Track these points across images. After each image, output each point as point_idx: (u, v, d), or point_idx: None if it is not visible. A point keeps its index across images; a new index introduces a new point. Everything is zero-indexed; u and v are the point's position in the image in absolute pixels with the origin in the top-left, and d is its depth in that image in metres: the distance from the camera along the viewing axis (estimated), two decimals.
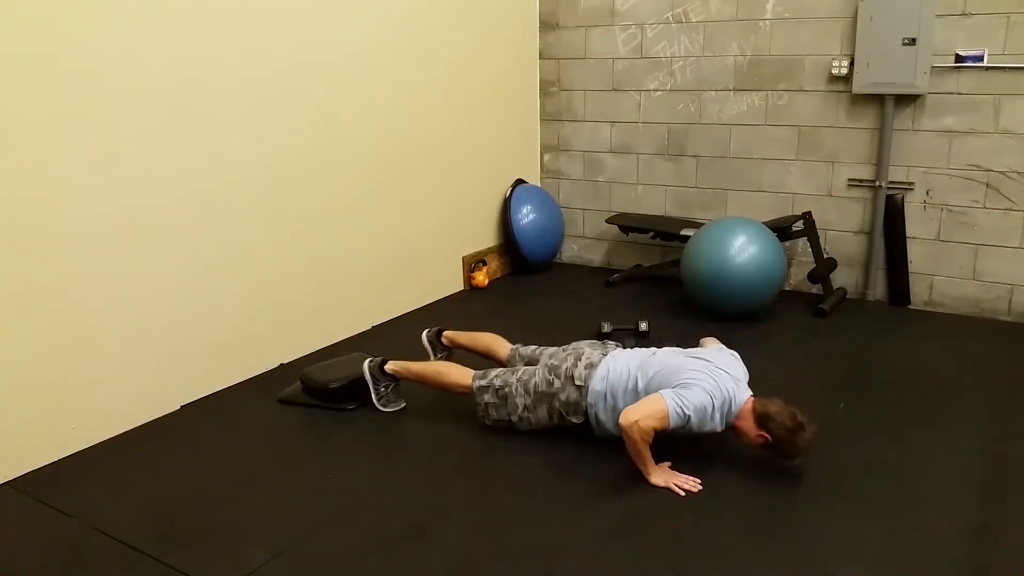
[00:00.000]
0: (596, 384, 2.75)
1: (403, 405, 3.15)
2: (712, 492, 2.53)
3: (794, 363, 3.60)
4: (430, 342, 3.38)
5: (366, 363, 3.13)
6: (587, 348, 2.90)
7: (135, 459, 2.80)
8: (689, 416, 2.51)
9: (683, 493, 2.52)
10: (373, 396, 3.11)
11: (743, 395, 2.64)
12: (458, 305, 4.53)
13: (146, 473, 2.70)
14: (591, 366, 2.79)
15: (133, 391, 3.01)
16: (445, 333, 3.36)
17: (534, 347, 3.09)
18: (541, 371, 2.87)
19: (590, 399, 2.76)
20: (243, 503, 2.51)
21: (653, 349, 2.86)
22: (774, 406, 2.56)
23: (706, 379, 2.58)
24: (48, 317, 2.71)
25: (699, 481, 2.57)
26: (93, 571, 2.19)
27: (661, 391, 2.55)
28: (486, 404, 2.91)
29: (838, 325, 4.10)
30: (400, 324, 4.18)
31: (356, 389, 3.13)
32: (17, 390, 2.65)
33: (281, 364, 3.61)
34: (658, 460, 2.62)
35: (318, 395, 3.16)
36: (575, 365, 2.81)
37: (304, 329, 3.72)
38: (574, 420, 2.81)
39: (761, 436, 2.56)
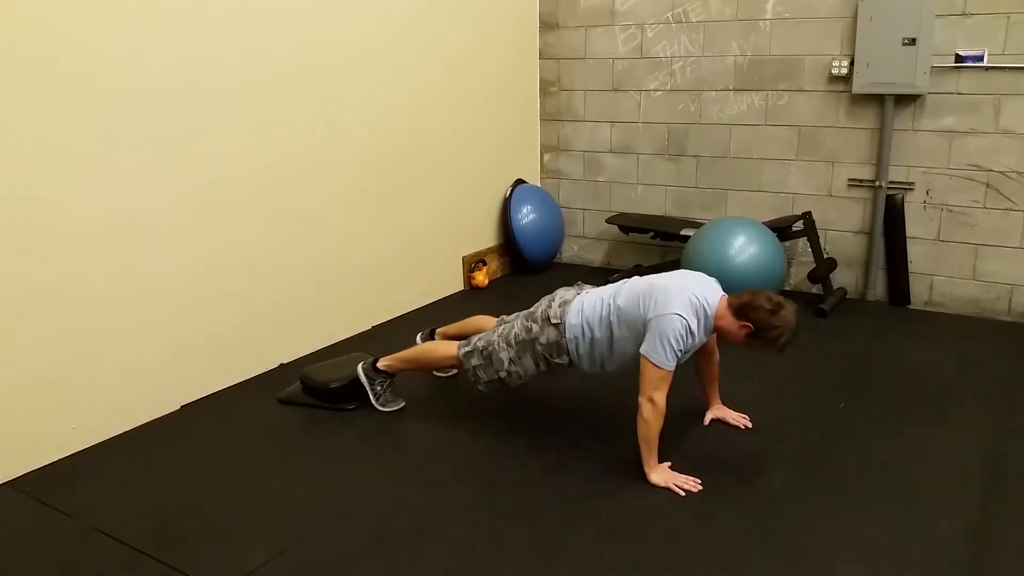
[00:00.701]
0: (572, 318, 2.75)
1: (402, 404, 3.15)
2: (712, 492, 2.53)
3: (794, 363, 3.60)
4: (424, 342, 3.39)
5: (359, 365, 3.14)
6: (561, 291, 2.92)
7: (135, 459, 2.80)
8: (680, 350, 2.52)
9: (683, 493, 2.52)
10: (371, 397, 3.11)
11: (714, 297, 2.62)
12: (458, 305, 4.53)
13: (146, 473, 2.70)
14: (565, 303, 2.80)
15: (133, 391, 3.01)
16: (437, 330, 3.41)
17: (517, 313, 3.09)
18: (519, 321, 2.90)
19: (568, 335, 2.75)
20: (243, 503, 2.51)
21: (624, 279, 2.84)
22: (748, 295, 2.56)
23: (675, 299, 2.55)
24: (48, 317, 2.71)
25: (699, 481, 2.57)
26: (93, 571, 2.19)
27: (643, 354, 2.54)
28: (474, 368, 2.91)
29: (838, 325, 4.10)
30: (400, 324, 4.17)
31: (356, 389, 3.13)
32: (17, 390, 2.65)
33: (281, 364, 3.61)
34: (659, 460, 2.62)
35: (318, 395, 3.16)
36: (549, 306, 2.83)
37: (304, 329, 3.72)
38: (558, 361, 2.80)
39: (744, 327, 2.53)
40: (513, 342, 2.85)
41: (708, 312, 2.59)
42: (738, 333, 2.56)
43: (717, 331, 2.64)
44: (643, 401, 2.53)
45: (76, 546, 2.30)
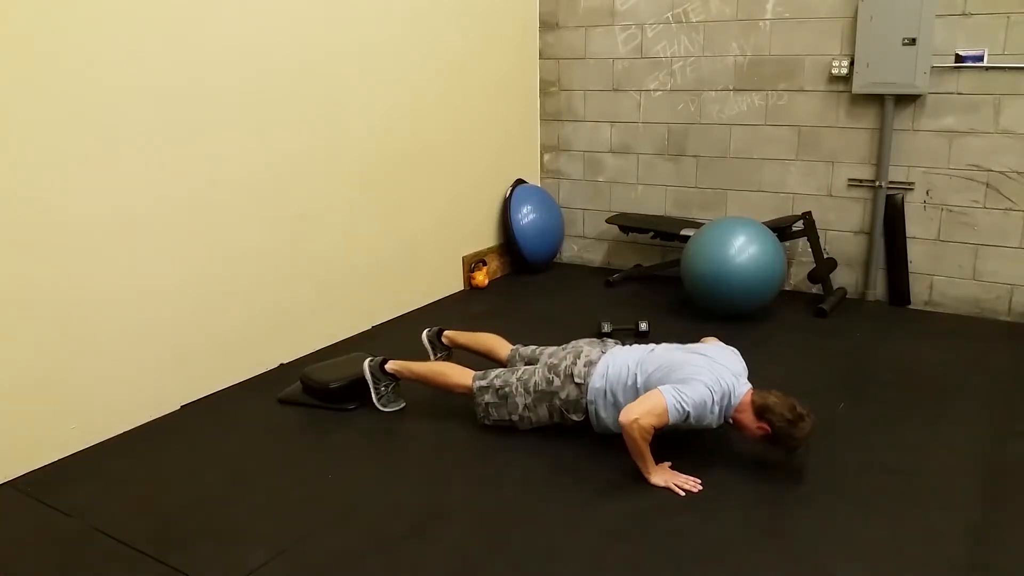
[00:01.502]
0: (596, 381, 2.75)
1: (403, 405, 3.15)
2: (712, 492, 2.53)
3: (794, 363, 3.60)
4: (430, 342, 3.38)
5: (366, 362, 3.13)
6: (586, 346, 2.90)
7: (135, 459, 2.80)
8: (688, 412, 2.52)
9: (683, 493, 2.52)
10: (373, 396, 3.11)
11: (742, 388, 2.64)
12: (458, 305, 4.53)
13: (146, 473, 2.70)
14: (590, 364, 2.79)
15: (133, 391, 3.01)
16: (445, 333, 3.36)
17: (534, 347, 3.09)
18: (541, 370, 2.87)
19: (590, 396, 2.76)
20: (243, 503, 2.51)
21: (652, 345, 2.86)
22: (773, 397, 2.57)
23: (705, 374, 2.58)
24: (48, 317, 2.71)
25: (699, 481, 2.57)
26: (93, 571, 2.19)
27: (660, 387, 2.55)
28: (486, 404, 2.91)
29: (838, 325, 4.10)
30: (400, 324, 4.17)
31: (356, 389, 3.13)
32: (17, 390, 2.65)
33: (281, 364, 3.61)
34: (658, 460, 2.62)
35: (318, 395, 3.16)
36: (574, 363, 2.81)
37: (304, 329, 3.72)
38: (574, 418, 2.81)
39: (761, 428, 2.56)
40: (532, 391, 2.85)
41: (732, 402, 2.62)
42: (755, 432, 2.59)
43: (734, 420, 2.65)
44: (629, 422, 2.48)
45: (76, 546, 2.30)
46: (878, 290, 4.48)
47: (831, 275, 4.46)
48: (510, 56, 4.97)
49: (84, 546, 2.30)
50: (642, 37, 4.83)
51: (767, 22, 4.46)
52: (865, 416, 3.06)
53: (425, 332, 3.40)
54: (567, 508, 2.46)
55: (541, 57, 5.22)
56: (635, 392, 2.67)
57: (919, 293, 4.38)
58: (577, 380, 2.78)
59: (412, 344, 3.46)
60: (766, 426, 2.55)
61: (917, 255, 4.33)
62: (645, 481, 2.57)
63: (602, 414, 2.76)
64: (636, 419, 2.47)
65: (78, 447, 2.85)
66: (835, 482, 2.59)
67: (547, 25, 5.15)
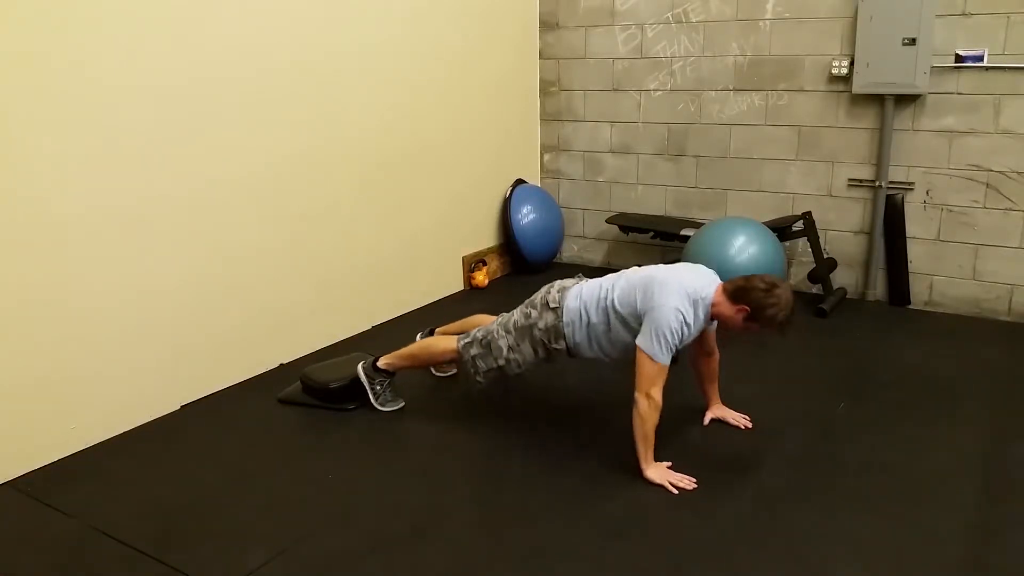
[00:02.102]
0: (570, 302, 2.78)
1: (402, 404, 3.15)
2: (712, 492, 2.53)
3: (794, 363, 3.60)
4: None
5: (359, 365, 3.14)
6: (560, 280, 2.94)
7: (135, 459, 2.80)
8: (675, 344, 2.53)
9: (676, 491, 2.52)
10: (370, 396, 3.11)
11: (711, 287, 2.64)
12: (458, 305, 4.53)
13: (146, 473, 2.70)
14: (564, 289, 2.84)
15: (133, 391, 3.01)
16: (436, 329, 3.42)
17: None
18: (519, 309, 2.92)
19: (566, 318, 2.77)
20: (243, 503, 2.51)
21: (624, 270, 2.86)
22: (741, 279, 2.58)
23: (673, 287, 2.57)
24: (48, 317, 2.71)
25: (695, 480, 2.57)
26: (93, 571, 2.19)
27: (639, 348, 2.54)
28: (473, 358, 2.92)
29: (838, 325, 4.10)
30: (400, 324, 4.17)
31: (356, 389, 3.13)
32: (17, 390, 2.65)
33: (281, 364, 3.61)
34: (657, 459, 2.62)
35: (318, 395, 3.16)
36: (548, 292, 2.85)
37: (304, 329, 3.72)
38: (556, 346, 2.82)
39: (740, 310, 2.55)
40: (512, 329, 2.87)
41: (705, 301, 2.60)
42: (736, 317, 2.57)
43: (715, 318, 2.66)
44: (639, 397, 2.54)
45: (76, 546, 2.30)
46: (878, 290, 4.48)
47: (831, 275, 4.46)
48: (510, 56, 4.97)
49: (84, 546, 2.30)
50: (642, 37, 4.83)
51: (767, 22, 4.46)
52: (865, 416, 3.06)
53: (419, 335, 3.46)
54: (567, 508, 2.46)
55: (541, 57, 5.22)
56: (606, 310, 2.69)
57: (919, 293, 4.38)
58: (552, 305, 2.80)
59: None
60: (744, 307, 2.53)
61: (917, 255, 4.33)
62: (644, 480, 2.57)
63: (577, 337, 2.77)
64: (647, 392, 2.51)
65: (78, 447, 2.85)
66: (835, 482, 2.59)
67: (547, 25, 5.15)
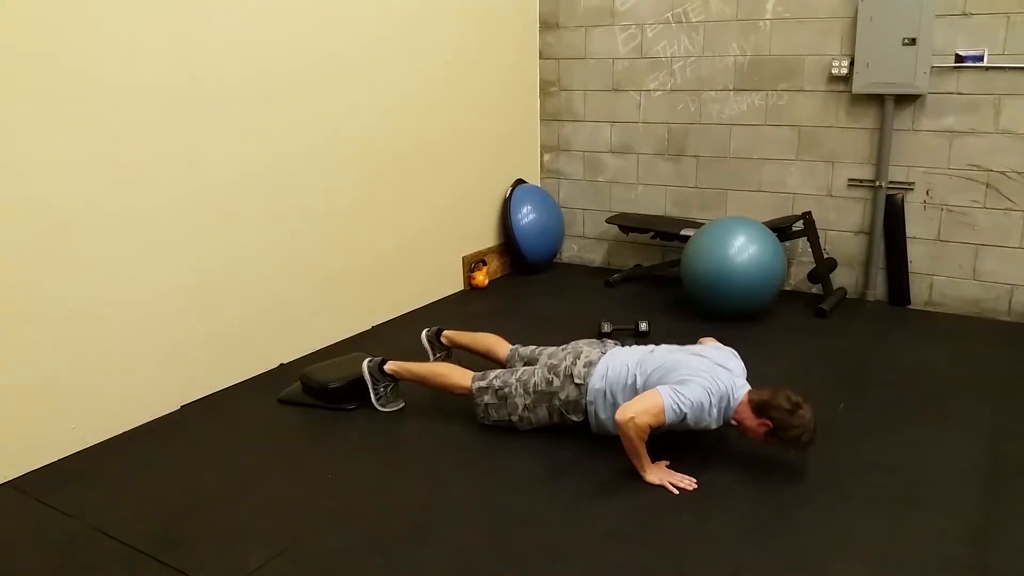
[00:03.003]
0: (595, 382, 2.75)
1: (402, 405, 3.15)
2: (711, 492, 2.53)
3: (794, 363, 3.60)
4: (429, 341, 3.38)
5: (365, 363, 3.13)
6: (586, 347, 2.90)
7: (135, 459, 2.80)
8: (685, 413, 2.52)
9: (677, 492, 2.52)
10: (372, 396, 3.11)
11: (741, 390, 2.64)
12: (458, 305, 4.53)
13: (146, 473, 2.70)
14: (590, 364, 2.79)
15: (133, 391, 3.01)
16: (445, 333, 3.37)
17: (533, 347, 3.09)
18: (540, 371, 2.87)
19: (589, 397, 2.76)
20: (243, 503, 2.51)
21: (651, 346, 2.86)
22: (768, 392, 2.58)
23: (704, 376, 2.58)
24: (48, 317, 2.71)
25: (695, 480, 2.57)
26: (93, 571, 2.19)
27: (658, 387, 2.55)
28: (486, 405, 2.91)
29: (838, 325, 4.10)
30: (400, 324, 4.17)
31: (356, 389, 3.13)
32: (17, 390, 2.65)
33: (281, 364, 3.61)
34: (656, 458, 2.63)
35: (318, 395, 3.16)
36: (574, 364, 2.81)
37: (304, 329, 3.72)
38: (574, 418, 2.81)
39: (762, 424, 2.55)
40: (531, 391, 2.85)
41: (731, 403, 2.61)
42: (757, 430, 2.58)
43: (737, 423, 2.65)
44: (625, 421, 2.48)
45: (76, 546, 2.30)
46: (878, 290, 4.48)
47: (831, 275, 4.46)
48: (510, 56, 4.97)
49: (84, 546, 2.30)
50: (642, 37, 4.83)
51: (767, 22, 4.46)
52: (865, 416, 3.06)
53: (424, 332, 3.41)
54: (567, 508, 2.46)
55: (541, 57, 5.22)
56: (634, 392, 2.67)
57: (919, 293, 4.38)
58: (577, 381, 2.78)
59: (412, 344, 3.46)
60: (767, 422, 2.54)
61: (917, 255, 4.33)
62: (644, 481, 2.57)
63: (601, 415, 2.77)
64: (632, 417, 2.48)
65: (78, 447, 2.85)
66: (835, 482, 2.59)
67: (547, 25, 5.15)
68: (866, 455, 2.76)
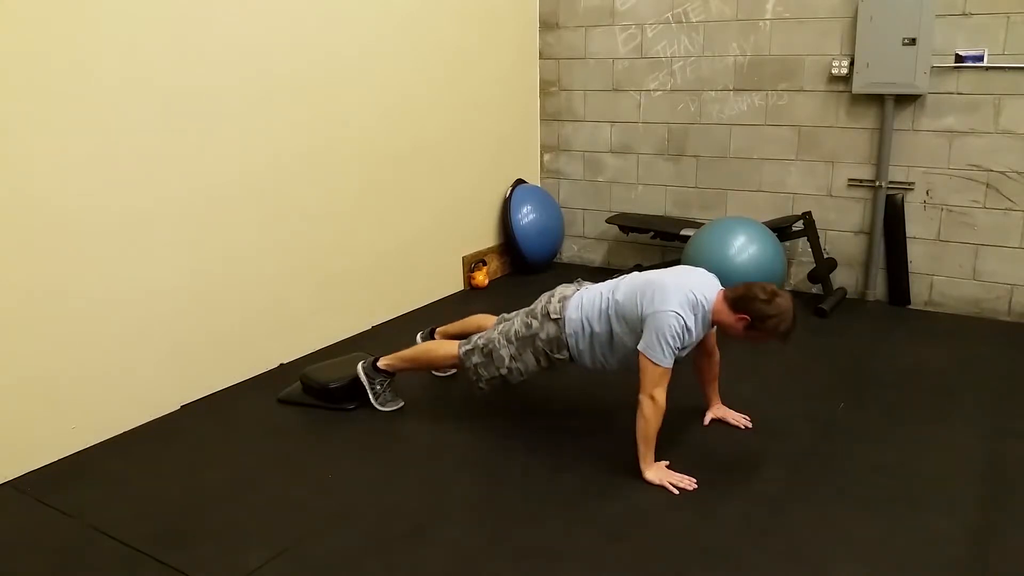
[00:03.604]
0: (572, 313, 2.77)
1: (401, 404, 3.15)
2: (712, 492, 2.53)
3: (794, 363, 3.60)
4: (424, 341, 3.40)
5: (359, 365, 3.14)
6: (561, 287, 2.92)
7: (135, 459, 2.80)
8: (678, 346, 2.53)
9: (677, 491, 2.52)
10: (370, 396, 3.11)
11: (712, 291, 2.63)
12: (458, 305, 4.53)
13: (146, 473, 2.70)
14: (564, 298, 2.82)
15: (133, 391, 3.01)
16: (436, 329, 3.41)
17: (517, 311, 3.09)
18: (519, 317, 2.91)
19: (568, 329, 2.76)
20: (243, 503, 2.51)
21: (623, 276, 2.85)
22: (742, 287, 2.57)
23: (672, 292, 2.56)
24: (48, 317, 2.71)
25: (695, 480, 2.57)
26: (93, 571, 2.19)
27: (641, 351, 2.54)
28: (475, 366, 2.91)
29: (838, 325, 4.10)
30: (400, 324, 4.17)
31: (356, 389, 3.13)
32: (17, 390, 2.65)
33: (281, 364, 3.61)
34: (657, 458, 2.63)
35: (318, 395, 3.17)
36: (549, 302, 2.84)
37: (304, 329, 3.72)
38: (559, 356, 2.81)
39: (740, 319, 2.54)
40: (513, 339, 2.86)
41: (706, 308, 2.60)
42: (736, 325, 2.57)
43: (716, 325, 2.66)
44: (643, 398, 2.54)
45: (76, 546, 2.30)
46: (878, 290, 4.48)
47: (831, 275, 4.46)
48: (510, 56, 4.97)
49: (84, 546, 2.30)
50: (642, 37, 4.83)
51: (767, 22, 4.46)
52: (865, 416, 3.06)
53: (419, 335, 3.47)
54: (567, 508, 2.46)
55: (541, 57, 5.22)
56: (608, 319, 2.68)
57: (919, 293, 4.38)
58: (553, 316, 2.79)
59: (412, 344, 3.46)
60: (745, 316, 2.53)
61: (917, 255, 4.33)
62: (644, 480, 2.57)
63: (581, 347, 2.77)
64: (651, 395, 2.51)
65: (78, 447, 2.85)
66: (835, 482, 2.59)
67: (547, 25, 5.15)
68: (866, 455, 2.76)
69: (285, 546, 2.28)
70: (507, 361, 2.87)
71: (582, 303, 2.77)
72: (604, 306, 2.72)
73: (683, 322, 2.53)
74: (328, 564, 2.21)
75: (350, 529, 2.37)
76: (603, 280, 2.99)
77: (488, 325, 3.18)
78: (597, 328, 2.71)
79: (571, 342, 2.77)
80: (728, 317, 2.58)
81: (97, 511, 2.47)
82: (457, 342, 3.00)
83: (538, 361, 2.85)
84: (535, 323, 2.83)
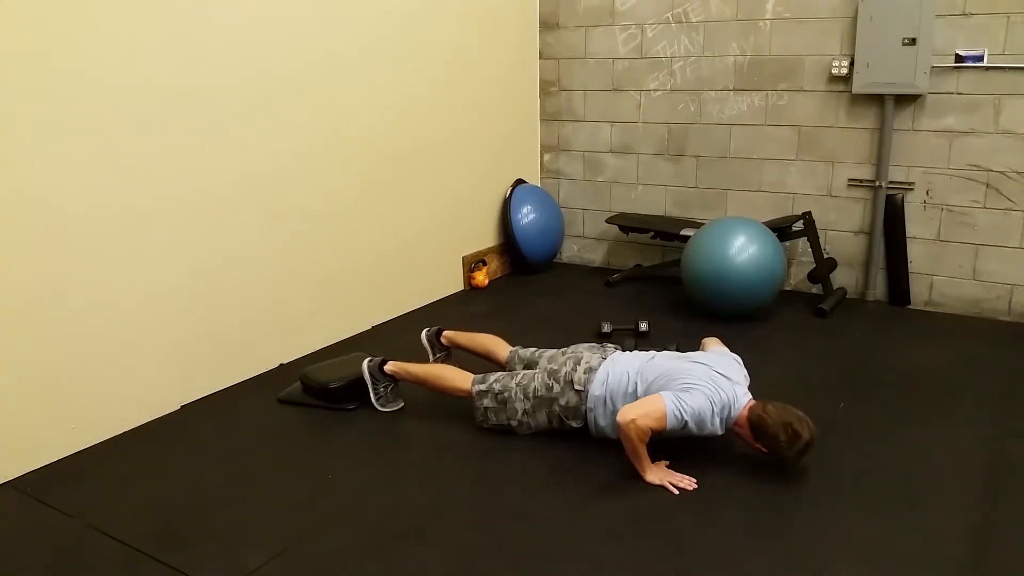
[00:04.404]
0: (596, 389, 2.75)
1: (401, 405, 3.15)
2: (711, 492, 2.53)
3: (794, 363, 3.60)
4: (429, 341, 3.38)
5: (365, 362, 3.13)
6: (586, 352, 2.90)
7: (135, 459, 2.80)
8: (686, 420, 2.51)
9: (677, 492, 2.52)
10: (372, 396, 3.11)
11: (742, 400, 2.64)
12: (458, 305, 4.53)
13: (146, 473, 2.70)
14: (590, 370, 2.79)
15: (133, 391, 3.01)
16: (445, 333, 3.36)
17: (533, 349, 3.09)
18: (540, 376, 2.87)
19: (589, 404, 2.76)
20: (243, 503, 2.51)
21: (652, 353, 2.86)
22: (769, 418, 2.54)
23: (706, 384, 2.58)
24: (48, 317, 2.71)
25: (695, 480, 2.57)
26: (93, 571, 2.19)
27: (661, 392, 2.55)
28: (485, 408, 2.91)
29: (838, 325, 4.10)
30: (400, 324, 4.17)
31: (356, 389, 3.13)
32: (17, 390, 2.65)
33: (281, 364, 3.61)
34: (655, 458, 2.63)
35: (318, 395, 3.16)
36: (574, 369, 2.81)
37: (304, 329, 3.72)
38: (573, 424, 2.81)
39: (759, 448, 2.59)
40: (531, 396, 2.84)
41: (732, 414, 2.61)
42: (753, 444, 2.61)
43: (736, 432, 2.67)
44: (626, 421, 2.48)
45: (76, 546, 2.30)
46: (878, 290, 4.48)
47: (831, 275, 4.46)
48: (510, 56, 4.97)
49: (84, 546, 2.30)
50: (642, 37, 4.83)
51: (767, 22, 4.46)
52: (865, 416, 3.06)
53: (424, 332, 3.40)
54: (567, 508, 2.46)
55: (541, 57, 5.22)
56: (634, 400, 2.67)
57: (919, 293, 4.38)
58: (577, 387, 2.77)
59: (412, 344, 3.46)
60: (762, 448, 2.58)
61: (917, 255, 4.33)
62: (644, 481, 2.57)
63: (601, 422, 2.76)
64: (633, 419, 2.48)
65: (78, 447, 2.85)
66: (835, 482, 2.59)
67: (547, 25, 5.15)
68: (866, 455, 2.76)
69: (285, 546, 2.28)
70: (519, 415, 2.86)
71: (608, 380, 2.75)
72: (630, 389, 2.70)
73: (708, 412, 2.54)
74: (328, 564, 2.21)
75: (350, 529, 2.37)
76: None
77: (499, 350, 3.17)
78: (620, 407, 2.67)
79: (590, 416, 2.77)
80: (747, 435, 2.61)
81: (97, 511, 2.47)
82: (471, 377, 2.96)
83: (550, 422, 2.85)
84: (556, 387, 2.81)
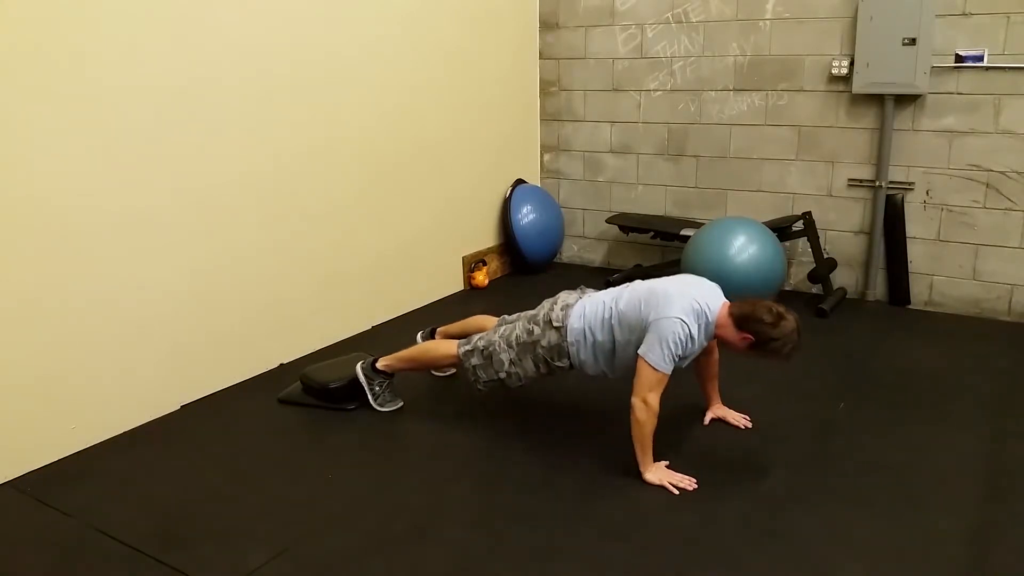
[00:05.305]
0: (574, 322, 2.75)
1: (400, 404, 3.15)
2: (711, 492, 2.53)
3: (794, 363, 3.58)
4: (425, 341, 3.40)
5: (358, 365, 3.14)
6: (563, 294, 2.91)
7: (135, 459, 2.80)
8: (678, 355, 2.52)
9: (677, 492, 2.52)
10: (369, 397, 3.11)
11: (717, 303, 2.62)
12: (458, 305, 4.53)
13: (146, 473, 2.70)
14: (567, 306, 2.80)
15: (133, 391, 3.01)
16: (437, 329, 3.41)
17: (518, 314, 3.09)
18: (521, 323, 2.89)
19: (570, 339, 2.75)
20: (243, 503, 2.51)
21: (626, 284, 2.84)
22: (749, 305, 2.55)
23: (677, 300, 2.55)
24: (48, 317, 2.71)
25: (695, 480, 2.57)
26: (93, 571, 2.19)
27: (640, 356, 2.53)
28: (474, 367, 2.91)
29: (838, 325, 4.10)
30: (400, 324, 4.17)
31: (356, 389, 3.13)
32: (17, 390, 2.65)
33: (281, 364, 3.61)
34: (656, 458, 2.63)
35: (318, 395, 3.17)
36: (552, 309, 2.83)
37: (304, 329, 3.72)
38: (559, 364, 2.80)
39: (744, 338, 2.53)
40: (514, 344, 2.85)
41: (709, 318, 2.59)
42: (739, 343, 2.56)
43: (718, 339, 2.65)
44: (636, 402, 2.53)
45: (76, 546, 2.30)
46: (878, 290, 4.48)
47: (831, 275, 4.46)
48: (510, 56, 4.97)
49: (84, 546, 2.30)
50: (642, 37, 4.83)
51: (767, 22, 4.46)
52: (865, 416, 3.06)
53: (419, 334, 3.46)
54: (567, 508, 2.46)
55: (541, 57, 5.22)
56: (611, 328, 2.67)
57: (919, 293, 4.38)
58: (556, 324, 2.77)
59: (411, 344, 3.46)
60: (749, 336, 2.52)
61: (917, 255, 4.33)
62: (644, 481, 2.57)
63: (582, 356, 2.76)
64: (644, 398, 2.50)
65: (78, 447, 2.85)
66: (835, 482, 2.59)
67: (547, 25, 5.15)
68: (866, 455, 2.76)
69: (285, 546, 2.28)
70: (506, 365, 2.86)
71: (584, 312, 2.75)
72: (607, 315, 2.70)
73: (687, 330, 2.52)
74: (328, 564, 2.21)
75: (350, 529, 2.37)
76: (604, 283, 3.00)
77: (489, 326, 3.18)
78: (600, 337, 2.70)
79: (572, 351, 2.76)
80: (731, 334, 2.57)
81: (97, 511, 2.47)
82: (456, 342, 3.00)
83: (537, 368, 2.85)
84: (536, 330, 2.82)
